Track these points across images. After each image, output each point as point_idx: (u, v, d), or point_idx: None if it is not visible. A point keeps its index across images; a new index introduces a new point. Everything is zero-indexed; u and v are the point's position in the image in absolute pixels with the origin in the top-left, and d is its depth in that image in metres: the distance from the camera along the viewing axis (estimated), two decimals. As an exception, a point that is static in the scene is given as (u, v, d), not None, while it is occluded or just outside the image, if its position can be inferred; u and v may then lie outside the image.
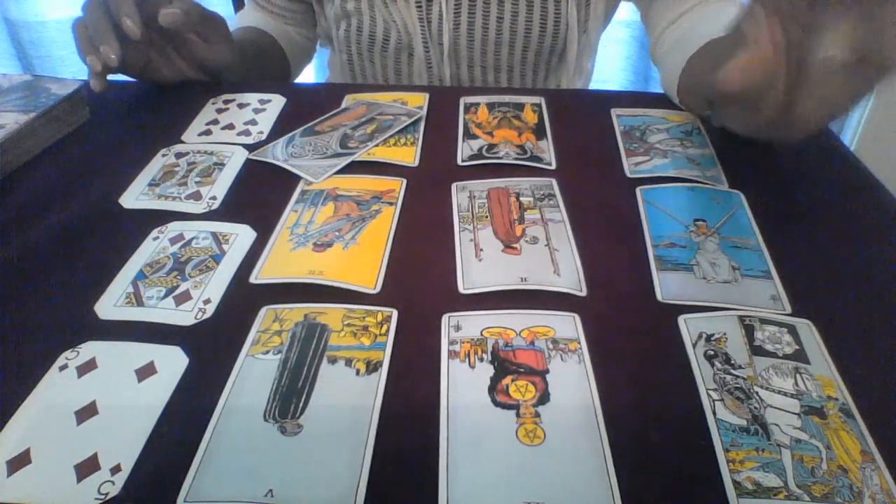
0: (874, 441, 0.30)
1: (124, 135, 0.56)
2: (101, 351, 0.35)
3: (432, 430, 0.31)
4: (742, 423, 0.31)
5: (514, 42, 0.71)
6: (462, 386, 0.33)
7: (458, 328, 0.36)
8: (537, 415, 0.31)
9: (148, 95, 0.63)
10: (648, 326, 0.37)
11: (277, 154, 0.52)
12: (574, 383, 0.33)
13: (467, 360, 0.34)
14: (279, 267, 0.41)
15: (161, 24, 0.56)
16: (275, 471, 0.29)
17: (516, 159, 0.51)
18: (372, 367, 0.34)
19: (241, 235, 0.44)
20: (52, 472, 0.29)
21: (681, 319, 0.37)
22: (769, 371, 0.33)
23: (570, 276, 0.39)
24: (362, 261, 0.41)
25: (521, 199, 0.47)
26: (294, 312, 0.37)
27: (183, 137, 0.55)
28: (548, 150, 0.53)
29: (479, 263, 0.41)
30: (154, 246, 0.43)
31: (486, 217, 0.45)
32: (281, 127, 0.57)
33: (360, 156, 0.51)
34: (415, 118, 0.56)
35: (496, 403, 0.32)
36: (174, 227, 0.44)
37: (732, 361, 0.34)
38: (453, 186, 0.48)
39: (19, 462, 0.30)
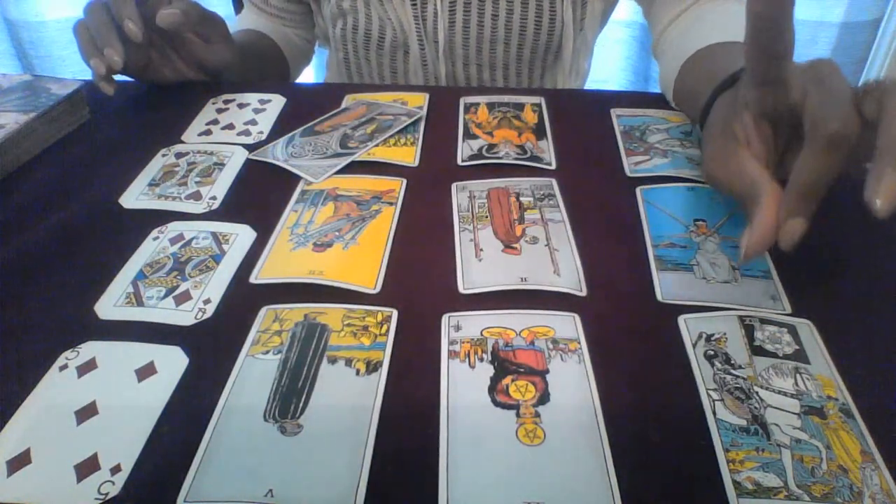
0: (874, 441, 0.30)
1: (124, 135, 0.56)
2: (101, 351, 0.35)
3: (432, 430, 0.31)
4: (742, 423, 0.31)
5: (510, 40, 0.71)
6: (462, 386, 0.33)
7: (458, 328, 0.36)
8: (537, 415, 0.31)
9: (148, 95, 0.63)
10: (648, 326, 0.36)
11: (277, 154, 0.52)
12: (574, 383, 0.33)
13: (467, 360, 0.34)
14: (279, 267, 0.41)
15: (160, 25, 0.56)
16: (275, 471, 0.29)
17: (516, 159, 0.51)
18: (372, 367, 0.34)
19: (241, 235, 0.44)
20: (52, 472, 0.29)
21: (681, 319, 0.37)
22: (769, 371, 0.33)
23: (570, 276, 0.39)
24: (362, 261, 0.41)
25: (521, 199, 0.47)
26: (294, 312, 0.37)
27: (183, 137, 0.55)
28: (548, 150, 0.53)
29: (479, 263, 0.41)
30: (154, 246, 0.43)
31: (486, 217, 0.45)
32: (281, 127, 0.57)
33: (360, 156, 0.51)
34: (415, 118, 0.56)
35: (496, 403, 0.32)
36: (174, 227, 0.44)
37: (732, 361, 0.34)
38: (453, 186, 0.48)
39: (19, 462, 0.30)
